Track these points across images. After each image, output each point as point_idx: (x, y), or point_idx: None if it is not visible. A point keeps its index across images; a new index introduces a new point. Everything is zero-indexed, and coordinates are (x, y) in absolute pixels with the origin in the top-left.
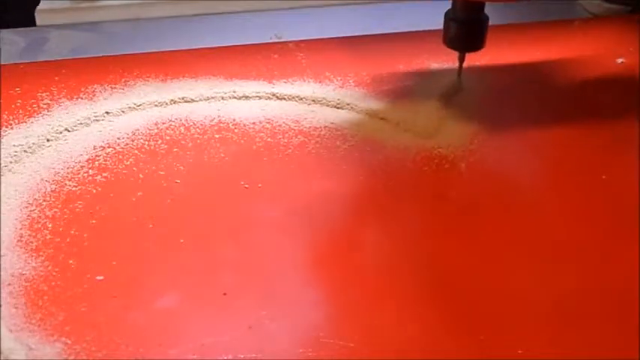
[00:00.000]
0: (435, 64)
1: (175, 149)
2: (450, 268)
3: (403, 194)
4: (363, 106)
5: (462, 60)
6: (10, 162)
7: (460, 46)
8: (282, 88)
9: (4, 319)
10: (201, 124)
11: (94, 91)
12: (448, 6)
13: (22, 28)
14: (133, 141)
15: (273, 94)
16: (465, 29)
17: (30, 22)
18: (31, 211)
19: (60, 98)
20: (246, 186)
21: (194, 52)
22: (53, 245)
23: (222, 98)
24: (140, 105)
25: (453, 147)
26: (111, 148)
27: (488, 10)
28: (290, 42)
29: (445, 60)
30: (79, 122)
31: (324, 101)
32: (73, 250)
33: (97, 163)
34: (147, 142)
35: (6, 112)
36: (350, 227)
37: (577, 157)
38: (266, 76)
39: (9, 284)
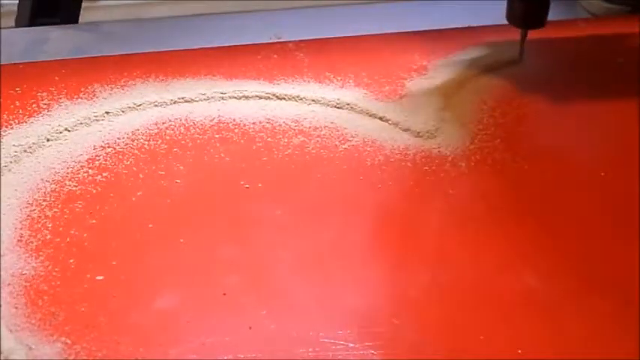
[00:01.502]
0: (433, 66)
1: (175, 149)
2: (449, 268)
3: (403, 194)
4: (363, 106)
5: (524, 37)
6: (10, 162)
7: (523, 23)
8: (282, 88)
9: (4, 319)
10: (201, 124)
11: (94, 91)
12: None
13: (22, 28)
14: (133, 141)
15: (273, 94)
16: (529, 7)
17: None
18: (31, 211)
19: (60, 98)
20: (246, 186)
21: (194, 52)
22: (53, 245)
23: (222, 98)
24: (140, 105)
25: (453, 147)
26: (111, 148)
27: (487, 9)
28: (290, 42)
29: (444, 60)
30: (78, 122)
31: (324, 101)
32: (73, 250)
33: (97, 163)
34: (147, 142)
35: (6, 112)
36: (350, 227)
37: (576, 157)
38: (266, 76)
39: (9, 284)
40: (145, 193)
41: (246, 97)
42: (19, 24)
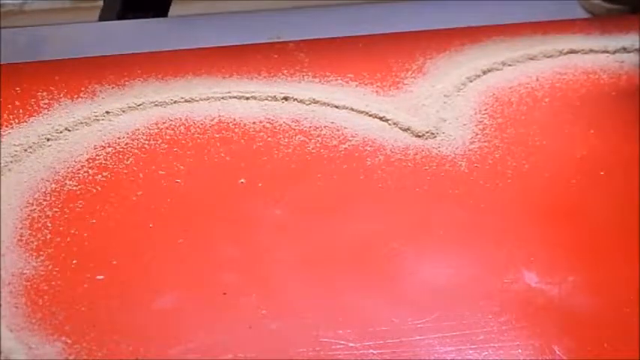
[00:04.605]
0: (433, 65)
1: (175, 149)
2: (448, 268)
3: (403, 194)
4: (363, 106)
5: None
6: (10, 161)
7: None
8: (282, 88)
9: (4, 319)
10: (201, 124)
11: (94, 91)
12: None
13: (22, 28)
14: (133, 141)
15: (274, 94)
16: None
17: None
18: (31, 210)
19: (60, 98)
20: (246, 185)
21: (194, 52)
22: (53, 245)
23: (222, 98)
24: (140, 105)
25: (453, 147)
26: (111, 148)
27: (486, 10)
28: (290, 42)
29: (444, 60)
30: (79, 122)
31: (324, 101)
32: (73, 249)
33: (97, 162)
34: (147, 142)
35: (6, 112)
36: (350, 227)
37: (577, 155)
38: (266, 75)
39: (9, 284)
40: (145, 193)
41: (247, 97)
42: (105, 18)
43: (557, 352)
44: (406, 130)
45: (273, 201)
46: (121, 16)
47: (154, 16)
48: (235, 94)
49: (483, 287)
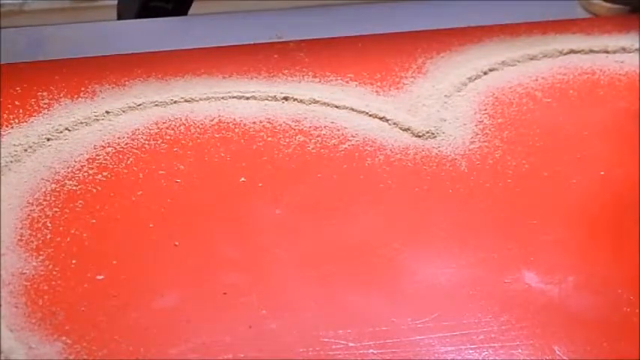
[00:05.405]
0: (433, 66)
1: (175, 149)
2: (448, 268)
3: (403, 194)
4: (363, 106)
5: None
6: (11, 161)
7: None
8: (282, 87)
9: (4, 319)
10: (201, 124)
11: (94, 91)
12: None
13: (22, 28)
14: (133, 140)
15: (274, 94)
16: None
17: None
18: (31, 210)
19: (60, 98)
20: (246, 185)
21: (194, 52)
22: (53, 245)
23: (223, 98)
24: (140, 104)
25: (453, 147)
26: (111, 148)
27: (486, 10)
28: (290, 42)
29: (444, 60)
30: (79, 121)
31: (324, 101)
32: (73, 249)
33: (97, 162)
34: (147, 142)
35: (6, 112)
36: (349, 227)
37: (577, 155)
38: (266, 75)
39: (9, 284)
40: (145, 193)
41: (247, 97)
42: (124, 14)
43: (557, 352)
44: (406, 130)
45: (273, 201)
46: (142, 9)
47: (173, 13)
48: (235, 94)
49: (483, 287)
